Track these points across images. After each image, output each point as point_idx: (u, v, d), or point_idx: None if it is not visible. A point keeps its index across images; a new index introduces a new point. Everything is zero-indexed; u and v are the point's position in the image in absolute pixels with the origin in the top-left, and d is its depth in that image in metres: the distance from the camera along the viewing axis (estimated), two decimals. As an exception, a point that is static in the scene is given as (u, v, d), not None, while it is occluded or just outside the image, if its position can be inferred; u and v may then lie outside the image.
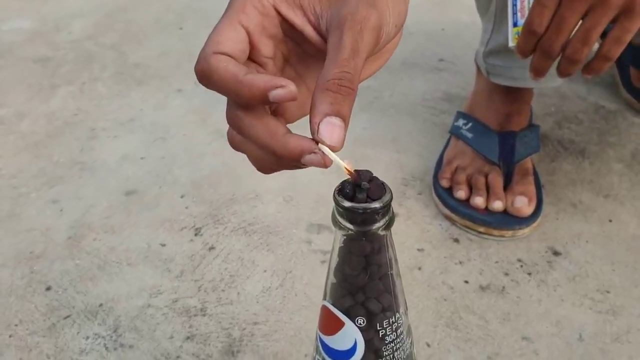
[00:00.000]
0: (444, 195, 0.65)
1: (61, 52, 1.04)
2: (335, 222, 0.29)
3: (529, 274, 0.59)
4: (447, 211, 0.64)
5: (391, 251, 0.30)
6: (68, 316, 0.56)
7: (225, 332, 0.54)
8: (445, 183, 0.66)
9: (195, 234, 0.65)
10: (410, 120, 0.82)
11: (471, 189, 0.64)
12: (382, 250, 0.29)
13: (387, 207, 0.28)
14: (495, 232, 0.61)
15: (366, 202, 0.28)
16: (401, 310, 0.32)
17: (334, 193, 0.28)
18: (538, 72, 0.49)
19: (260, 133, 0.27)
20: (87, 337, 0.54)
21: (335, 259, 0.31)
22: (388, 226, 0.29)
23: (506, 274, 0.59)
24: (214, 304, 0.57)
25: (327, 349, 0.33)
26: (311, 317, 0.55)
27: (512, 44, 0.51)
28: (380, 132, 0.80)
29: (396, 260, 0.31)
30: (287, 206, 0.68)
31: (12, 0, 1.24)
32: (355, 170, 0.29)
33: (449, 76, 0.92)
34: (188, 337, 0.54)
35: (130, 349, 0.53)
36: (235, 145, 0.30)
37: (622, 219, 0.65)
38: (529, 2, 0.51)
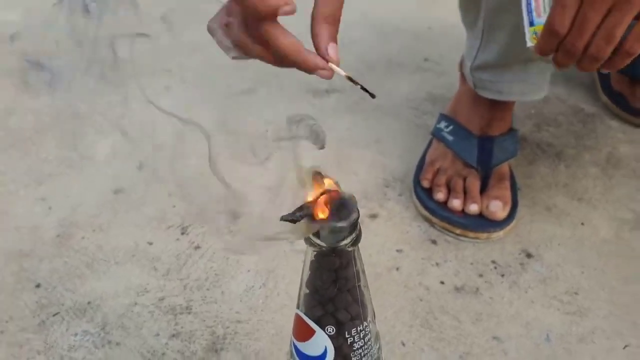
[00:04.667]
0: (424, 197, 0.67)
1: (48, 46, 1.04)
2: (306, 239, 0.31)
3: (502, 275, 0.61)
4: (426, 213, 0.66)
5: (359, 264, 0.32)
6: (57, 313, 0.58)
7: (209, 330, 0.56)
8: (426, 184, 0.68)
9: (182, 233, 0.67)
10: (393, 122, 0.84)
11: (450, 191, 0.66)
12: (350, 265, 0.31)
13: (354, 226, 0.30)
14: (471, 234, 0.64)
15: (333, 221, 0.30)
16: (368, 319, 0.34)
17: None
18: (562, 67, 0.49)
19: (288, 45, 0.34)
20: (76, 334, 0.56)
21: (307, 272, 0.33)
22: (355, 242, 0.31)
23: (480, 276, 0.61)
24: (198, 303, 0.59)
25: (300, 354, 0.35)
26: (292, 317, 0.57)
27: (530, 43, 0.50)
28: (364, 133, 0.81)
29: (363, 272, 0.33)
30: (272, 206, 0.70)
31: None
32: (326, 191, 0.30)
33: (433, 77, 0.93)
34: (173, 335, 0.56)
35: (117, 346, 0.55)
36: (240, 43, 0.36)
37: (594, 222, 0.67)
38: (543, 1, 0.51)
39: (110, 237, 0.66)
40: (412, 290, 0.60)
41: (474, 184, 0.65)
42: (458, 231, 0.64)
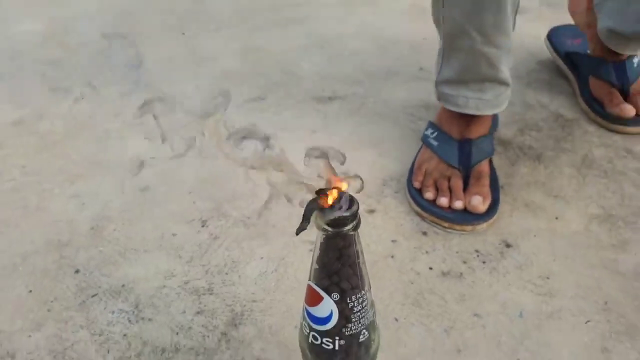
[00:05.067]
0: (416, 195, 0.76)
1: (72, 54, 1.12)
2: (318, 226, 0.40)
3: (484, 262, 0.70)
4: (417, 209, 0.75)
5: (358, 246, 0.41)
6: (95, 295, 0.67)
7: (229, 308, 0.65)
8: (417, 185, 0.76)
9: (202, 226, 0.75)
10: (391, 126, 0.92)
11: (438, 190, 0.75)
12: (351, 245, 0.40)
13: (355, 215, 0.39)
14: (457, 227, 0.72)
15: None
16: (366, 288, 0.42)
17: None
18: None
19: None
20: (113, 312, 0.65)
21: (317, 251, 0.41)
22: (356, 228, 0.39)
23: (464, 262, 0.70)
24: (219, 285, 0.67)
25: (311, 317, 0.44)
26: (300, 297, 0.65)
27: None
28: (365, 137, 0.90)
29: (362, 252, 0.42)
30: (281, 202, 0.79)
31: (22, 2, 1.32)
32: (334, 188, 0.39)
33: (427, 85, 1.01)
34: (198, 312, 0.64)
35: (149, 322, 0.64)
36: None
37: (567, 217, 0.76)
38: None
39: (138, 229, 0.75)
40: (405, 274, 0.68)
41: (457, 183, 0.74)
42: (446, 224, 0.73)
